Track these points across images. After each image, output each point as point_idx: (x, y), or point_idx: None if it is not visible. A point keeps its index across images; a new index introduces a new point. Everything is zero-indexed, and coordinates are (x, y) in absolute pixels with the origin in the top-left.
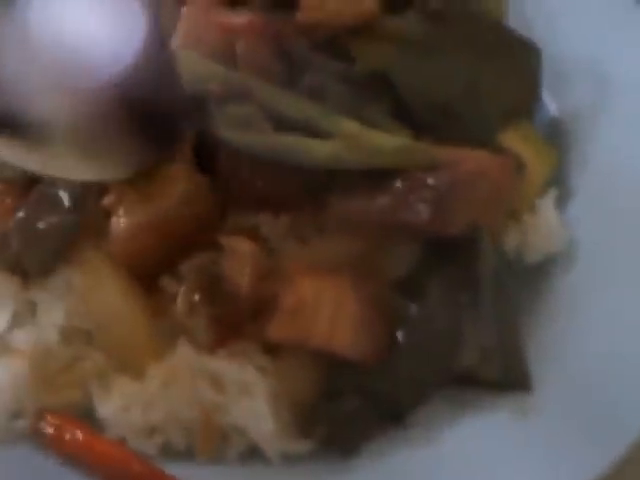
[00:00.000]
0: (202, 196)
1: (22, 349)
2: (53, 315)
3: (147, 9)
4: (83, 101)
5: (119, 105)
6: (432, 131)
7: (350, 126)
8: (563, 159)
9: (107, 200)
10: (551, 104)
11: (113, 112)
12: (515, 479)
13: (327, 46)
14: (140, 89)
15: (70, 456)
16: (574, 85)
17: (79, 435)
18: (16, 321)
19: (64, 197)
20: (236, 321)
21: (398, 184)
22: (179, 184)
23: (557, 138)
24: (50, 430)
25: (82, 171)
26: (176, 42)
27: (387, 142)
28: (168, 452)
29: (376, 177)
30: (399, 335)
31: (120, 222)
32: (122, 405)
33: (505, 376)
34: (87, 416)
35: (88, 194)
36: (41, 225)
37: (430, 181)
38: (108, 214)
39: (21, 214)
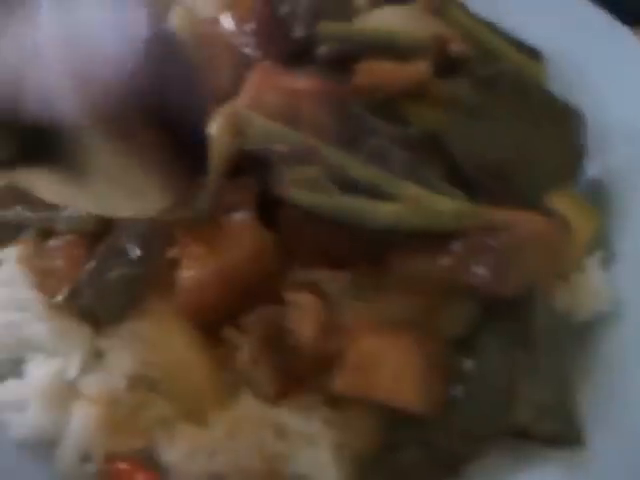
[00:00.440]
0: (267, 251)
1: (91, 395)
2: (121, 363)
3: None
4: (115, 128)
5: (149, 133)
6: (484, 193)
7: (412, 190)
8: (605, 221)
9: (173, 252)
10: (593, 167)
11: (145, 141)
12: None
13: (382, 109)
14: (165, 116)
15: None
16: (615, 148)
17: None
18: (86, 367)
19: (131, 249)
20: (299, 373)
21: (458, 246)
22: (246, 238)
23: (599, 200)
24: (118, 474)
25: (127, 208)
26: (242, 103)
27: (447, 205)
28: None
29: (436, 238)
30: (456, 390)
31: (187, 275)
32: (187, 452)
33: (559, 431)
34: (152, 462)
35: (155, 245)
36: (111, 276)
37: (489, 243)
38: (174, 265)
39: (91, 265)
